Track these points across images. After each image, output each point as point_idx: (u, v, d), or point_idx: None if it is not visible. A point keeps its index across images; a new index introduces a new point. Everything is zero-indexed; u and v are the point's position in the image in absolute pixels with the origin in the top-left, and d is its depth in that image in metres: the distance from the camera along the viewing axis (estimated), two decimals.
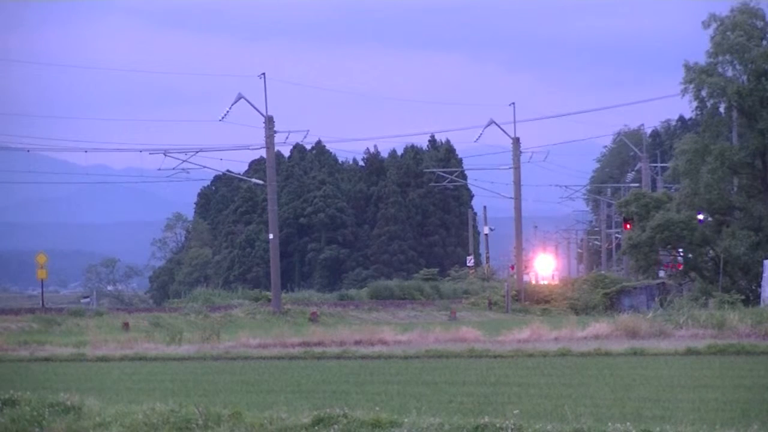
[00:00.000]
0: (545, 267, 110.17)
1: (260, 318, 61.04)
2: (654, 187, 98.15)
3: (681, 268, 71.99)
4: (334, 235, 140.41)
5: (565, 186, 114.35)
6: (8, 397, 21.30)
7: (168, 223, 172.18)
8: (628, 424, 16.57)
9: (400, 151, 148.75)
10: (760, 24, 67.11)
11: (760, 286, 61.21)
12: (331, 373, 27.52)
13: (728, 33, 66.05)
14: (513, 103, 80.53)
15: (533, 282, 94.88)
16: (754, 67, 66.27)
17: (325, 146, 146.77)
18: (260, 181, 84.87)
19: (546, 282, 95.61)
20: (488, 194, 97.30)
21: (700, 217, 68.85)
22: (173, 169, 71.41)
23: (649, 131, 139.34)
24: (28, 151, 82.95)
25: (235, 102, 67.33)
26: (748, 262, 65.74)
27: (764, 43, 67.10)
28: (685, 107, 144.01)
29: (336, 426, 17.81)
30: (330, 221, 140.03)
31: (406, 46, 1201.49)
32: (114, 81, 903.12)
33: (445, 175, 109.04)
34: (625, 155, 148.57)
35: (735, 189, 70.71)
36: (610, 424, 16.60)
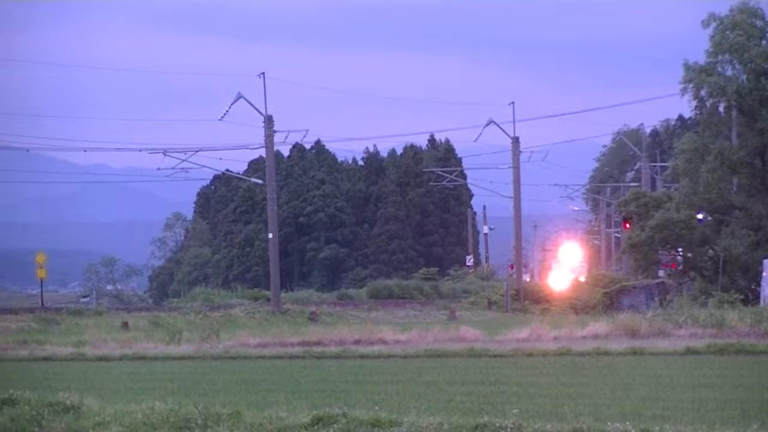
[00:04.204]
0: (573, 258, 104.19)
1: (259, 317, 61.05)
2: (653, 187, 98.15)
3: (680, 267, 71.96)
4: (333, 235, 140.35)
5: (565, 185, 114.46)
6: (8, 397, 21.29)
7: (167, 223, 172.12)
8: (627, 423, 16.57)
9: (399, 151, 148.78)
10: (759, 23, 67.08)
11: (759, 285, 61.21)
12: (331, 373, 27.50)
13: (728, 32, 66.04)
14: (512, 103, 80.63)
15: (559, 279, 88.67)
16: (754, 67, 66.25)
17: (324, 146, 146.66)
18: (259, 181, 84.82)
19: (574, 275, 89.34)
20: (488, 194, 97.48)
21: (700, 216, 68.83)
22: (172, 168, 71.55)
23: (648, 131, 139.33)
24: (28, 151, 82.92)
25: (235, 101, 67.38)
26: (748, 262, 65.68)
27: (764, 42, 67.06)
28: (685, 107, 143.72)
29: (335, 425, 17.80)
30: (329, 220, 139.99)
31: (405, 46, 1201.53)
32: (114, 81, 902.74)
33: (444, 174, 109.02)
34: (624, 155, 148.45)
35: (734, 188, 70.66)
36: (609, 423, 16.59)
